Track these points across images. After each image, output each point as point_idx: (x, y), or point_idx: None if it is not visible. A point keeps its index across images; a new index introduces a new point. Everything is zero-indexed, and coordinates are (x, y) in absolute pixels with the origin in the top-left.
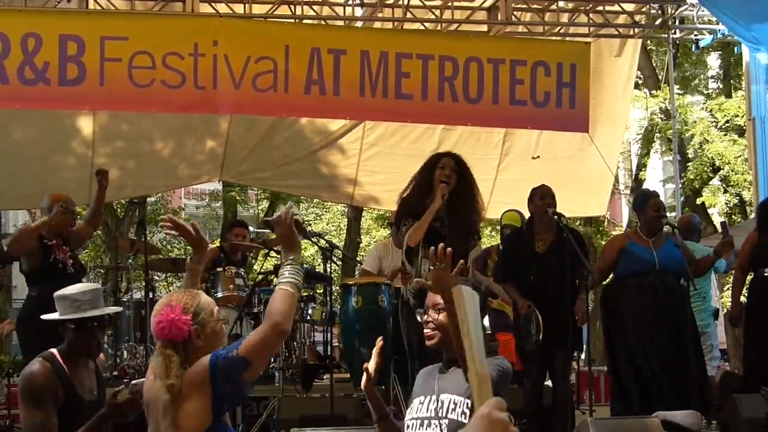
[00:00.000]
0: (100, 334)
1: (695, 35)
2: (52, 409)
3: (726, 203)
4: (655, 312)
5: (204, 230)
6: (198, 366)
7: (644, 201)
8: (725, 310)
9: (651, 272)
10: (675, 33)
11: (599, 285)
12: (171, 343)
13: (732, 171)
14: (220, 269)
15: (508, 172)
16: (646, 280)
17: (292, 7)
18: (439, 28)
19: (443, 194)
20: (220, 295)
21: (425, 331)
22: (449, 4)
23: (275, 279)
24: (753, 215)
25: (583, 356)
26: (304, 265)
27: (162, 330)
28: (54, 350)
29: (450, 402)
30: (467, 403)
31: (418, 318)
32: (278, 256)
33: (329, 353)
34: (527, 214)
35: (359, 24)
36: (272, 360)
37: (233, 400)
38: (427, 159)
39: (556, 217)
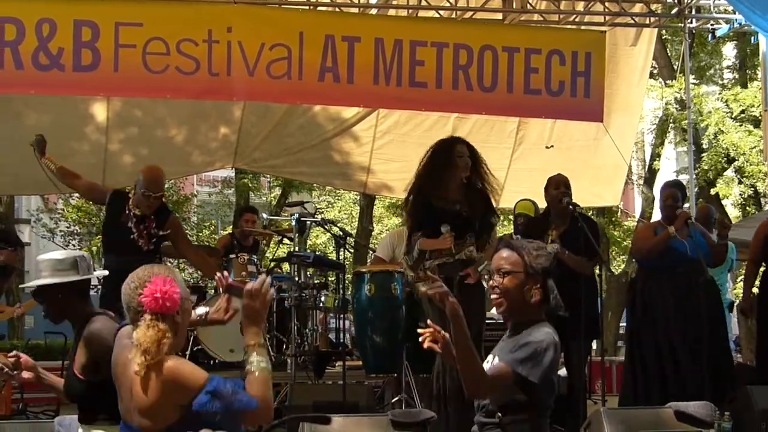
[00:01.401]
0: None
1: (711, 25)
2: None
3: (740, 194)
4: (687, 303)
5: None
6: (189, 370)
7: (661, 192)
8: (737, 302)
9: (684, 262)
10: (691, 22)
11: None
12: (162, 316)
13: (747, 162)
14: (232, 256)
15: (521, 161)
16: (679, 271)
17: None
18: (453, 16)
19: (449, 246)
20: (233, 279)
21: (492, 296)
22: None
23: (287, 266)
24: (767, 206)
25: (594, 346)
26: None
27: (156, 301)
28: None
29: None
30: None
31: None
32: (290, 242)
33: (342, 340)
34: (541, 204)
35: (374, 11)
36: (284, 347)
37: (205, 424)
38: (437, 146)
39: (570, 206)
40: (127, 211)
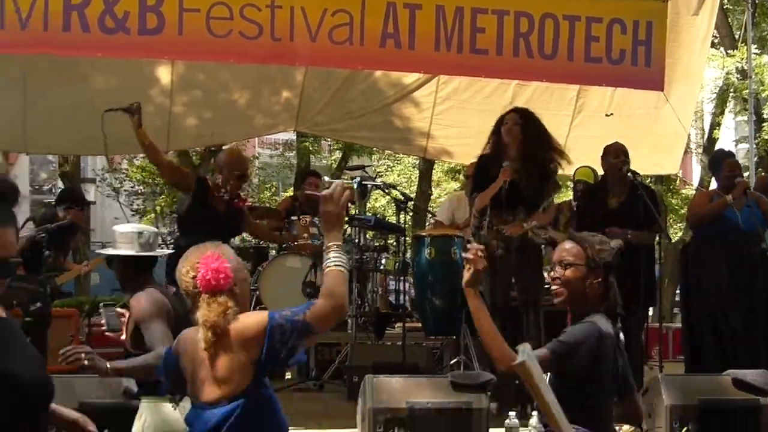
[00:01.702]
0: None
1: None
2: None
3: None
4: (739, 272)
5: (277, 179)
6: (251, 321)
7: (719, 161)
8: None
9: (735, 232)
10: None
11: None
12: (218, 293)
13: None
14: (294, 218)
15: (581, 128)
16: (730, 240)
17: None
18: None
19: (504, 179)
20: (294, 242)
21: (552, 287)
22: None
23: (348, 229)
24: None
25: (650, 313)
26: (377, 215)
27: (210, 282)
28: None
29: None
30: None
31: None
32: (351, 205)
33: (401, 303)
34: (600, 171)
35: None
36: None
37: (278, 364)
38: (498, 120)
39: (630, 174)
40: (218, 194)
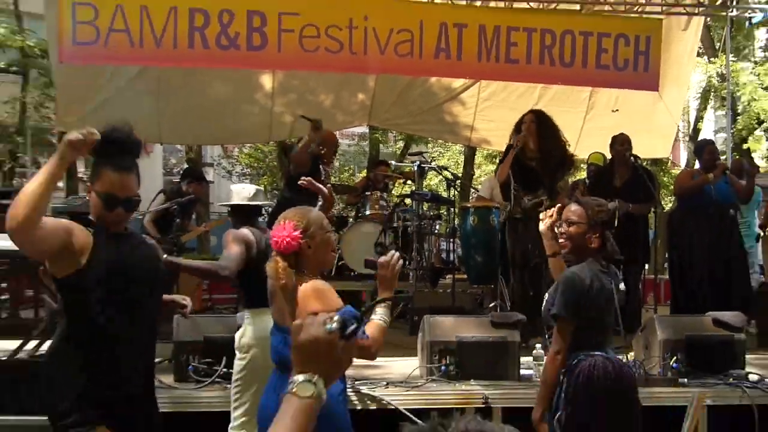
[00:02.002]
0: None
1: (749, 14)
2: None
3: (767, 149)
4: (715, 235)
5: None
6: (330, 296)
7: (702, 147)
8: (762, 236)
9: (709, 203)
10: (732, 12)
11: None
12: (282, 253)
13: None
14: (368, 193)
15: (592, 122)
16: (704, 208)
17: None
18: (541, 6)
19: (517, 142)
20: (368, 212)
21: (560, 240)
22: None
23: (410, 201)
24: None
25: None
26: (432, 191)
27: (275, 244)
28: None
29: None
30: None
31: None
32: (412, 183)
33: (451, 259)
34: (608, 156)
35: (478, 3)
36: (408, 263)
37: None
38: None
39: (632, 159)
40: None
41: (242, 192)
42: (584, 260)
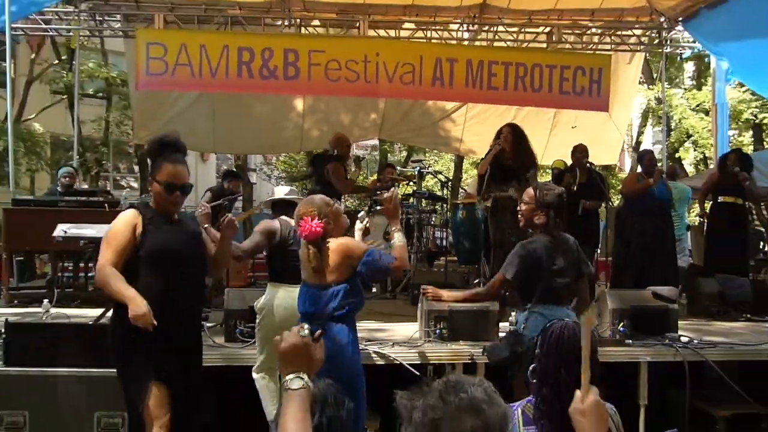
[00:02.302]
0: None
1: (680, 50)
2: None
3: (695, 158)
4: (655, 227)
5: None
6: (354, 247)
7: (644, 156)
8: (691, 225)
9: (651, 201)
10: (667, 49)
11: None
12: (313, 242)
13: (699, 137)
14: (378, 192)
15: (556, 136)
16: (646, 205)
17: (424, 32)
18: (515, 45)
19: (497, 146)
20: (379, 208)
21: (518, 217)
22: (522, 30)
23: (412, 199)
24: (712, 166)
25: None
26: (429, 191)
27: (306, 237)
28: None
29: None
30: None
31: None
32: (413, 184)
33: (444, 245)
34: (569, 162)
35: (466, 43)
36: (409, 246)
37: (364, 276)
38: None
39: (588, 164)
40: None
41: (282, 191)
42: (536, 233)
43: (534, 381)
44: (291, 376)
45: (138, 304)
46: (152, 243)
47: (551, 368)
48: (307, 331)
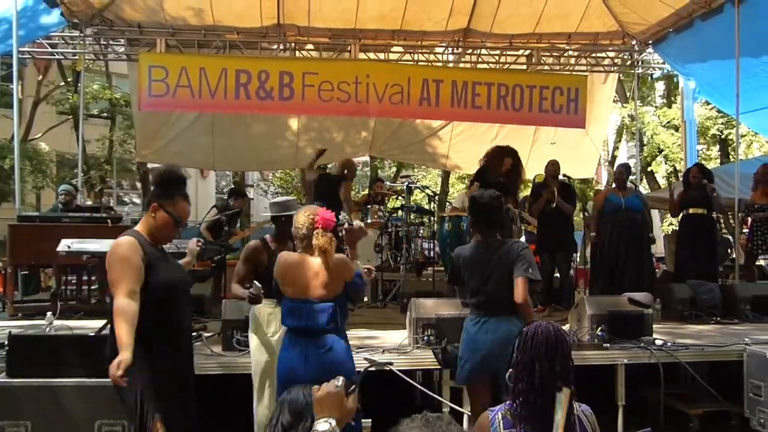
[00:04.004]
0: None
1: (651, 71)
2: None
3: (666, 171)
4: (621, 235)
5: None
6: (350, 265)
7: (616, 169)
8: (664, 234)
9: (620, 211)
10: (639, 70)
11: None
12: (328, 230)
13: (670, 152)
14: (369, 206)
15: (537, 152)
16: (617, 215)
17: (412, 55)
18: (497, 67)
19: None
20: (369, 221)
21: None
22: (503, 53)
23: (401, 212)
24: (681, 178)
25: (578, 258)
26: (417, 204)
27: (327, 221)
28: (268, 235)
29: None
30: None
31: None
32: (402, 198)
33: (432, 255)
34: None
35: (451, 65)
36: (399, 258)
37: (350, 293)
38: (496, 151)
39: (563, 177)
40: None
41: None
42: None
43: (511, 383)
44: (321, 420)
45: (124, 359)
46: (163, 276)
47: (526, 363)
48: (341, 383)
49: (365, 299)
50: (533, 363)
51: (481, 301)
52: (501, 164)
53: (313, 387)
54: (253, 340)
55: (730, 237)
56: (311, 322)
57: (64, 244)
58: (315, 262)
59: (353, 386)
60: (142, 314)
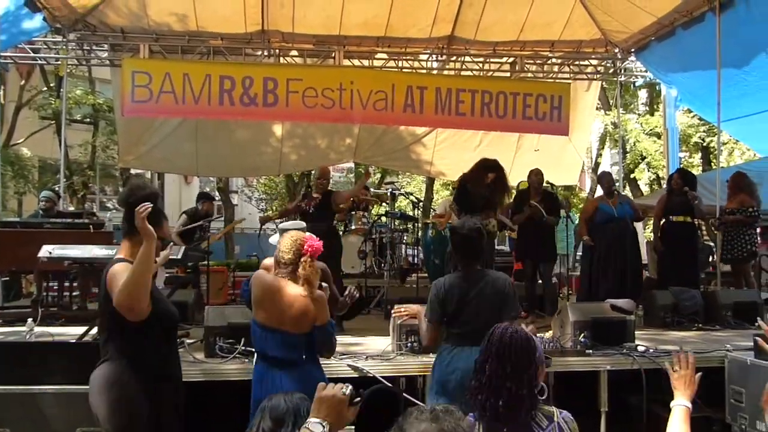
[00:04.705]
0: None
1: (633, 79)
2: None
3: (649, 178)
4: (615, 244)
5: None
6: (325, 308)
7: (603, 177)
8: (647, 241)
9: (612, 220)
10: (621, 77)
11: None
12: (314, 259)
13: (653, 159)
14: (353, 213)
15: (520, 159)
16: (610, 225)
17: (396, 62)
18: (481, 74)
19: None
20: (353, 227)
21: None
22: (487, 60)
23: (385, 218)
24: (664, 185)
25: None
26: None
27: (316, 251)
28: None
29: None
30: None
31: None
32: (387, 205)
33: (415, 262)
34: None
35: (435, 72)
36: (383, 265)
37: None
38: (480, 164)
39: (546, 185)
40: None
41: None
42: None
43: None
44: (315, 420)
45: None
46: (163, 305)
47: (481, 362)
48: (348, 391)
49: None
50: (486, 362)
51: (459, 331)
52: (483, 178)
53: (320, 383)
54: None
55: (712, 243)
56: (286, 353)
57: (46, 250)
58: (293, 290)
59: (358, 399)
60: (133, 335)
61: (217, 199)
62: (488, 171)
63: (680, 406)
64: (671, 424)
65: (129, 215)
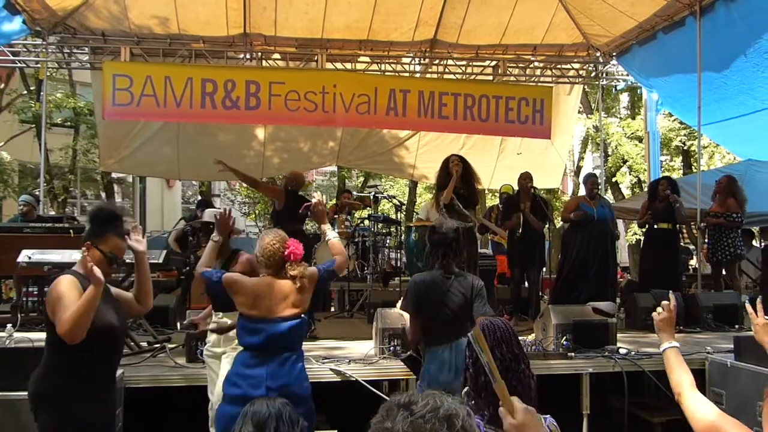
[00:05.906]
0: None
1: (615, 83)
2: None
3: (630, 181)
4: (595, 245)
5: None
6: (312, 271)
7: (587, 179)
8: (628, 244)
9: (591, 221)
10: (603, 81)
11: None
12: (298, 262)
13: (634, 162)
14: (336, 216)
15: (503, 162)
16: (588, 226)
17: (379, 65)
18: (464, 78)
19: (456, 173)
20: (337, 230)
21: None
22: (470, 64)
23: (368, 222)
24: (645, 189)
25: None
26: (384, 214)
27: (296, 256)
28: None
29: None
30: None
31: None
32: (369, 208)
33: (398, 266)
34: (516, 187)
35: (418, 75)
36: (365, 268)
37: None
38: (444, 159)
39: (533, 190)
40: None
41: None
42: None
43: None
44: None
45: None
46: (101, 319)
47: (474, 354)
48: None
49: (332, 308)
50: (492, 352)
51: (435, 329)
52: (447, 165)
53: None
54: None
55: (691, 246)
56: (278, 341)
57: (25, 255)
58: (285, 285)
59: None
60: (74, 352)
61: (217, 207)
62: (452, 157)
63: (671, 347)
64: (672, 367)
65: (92, 230)
